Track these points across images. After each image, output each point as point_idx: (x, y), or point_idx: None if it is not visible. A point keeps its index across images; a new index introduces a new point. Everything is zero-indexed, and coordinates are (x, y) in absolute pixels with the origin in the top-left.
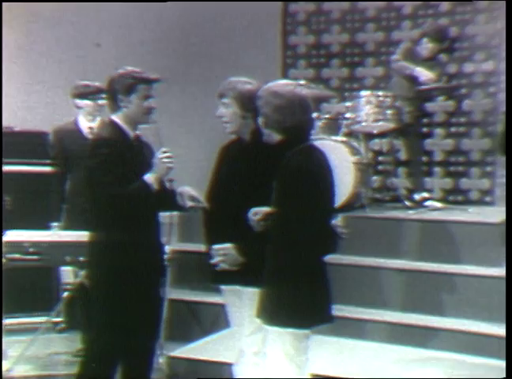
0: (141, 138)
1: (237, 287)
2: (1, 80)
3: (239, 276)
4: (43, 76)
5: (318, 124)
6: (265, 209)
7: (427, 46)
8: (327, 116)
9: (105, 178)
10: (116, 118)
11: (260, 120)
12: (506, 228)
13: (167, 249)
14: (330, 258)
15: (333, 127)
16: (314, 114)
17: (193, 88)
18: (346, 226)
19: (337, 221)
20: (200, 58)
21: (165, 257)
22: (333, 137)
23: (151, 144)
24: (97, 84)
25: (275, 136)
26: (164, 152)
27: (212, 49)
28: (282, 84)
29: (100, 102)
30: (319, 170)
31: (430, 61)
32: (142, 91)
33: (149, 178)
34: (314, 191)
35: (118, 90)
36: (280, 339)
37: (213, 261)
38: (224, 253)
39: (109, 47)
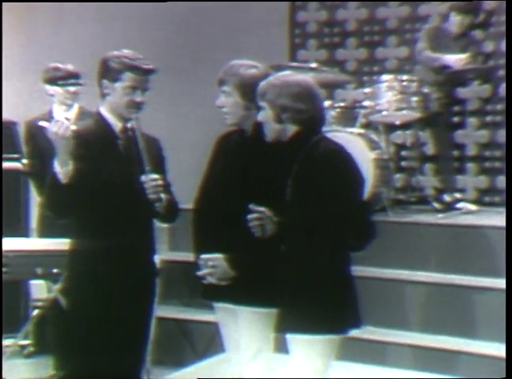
0: (131, 132)
1: (229, 305)
2: (1, 81)
3: (231, 292)
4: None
5: (332, 114)
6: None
7: (456, 21)
8: (342, 104)
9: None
10: (103, 107)
11: (270, 115)
12: (506, 232)
13: (156, 258)
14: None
15: (348, 117)
16: (327, 103)
17: (188, 73)
18: None
19: None
20: (196, 38)
21: (155, 267)
22: (349, 129)
23: (156, 138)
24: (69, 66)
25: (289, 131)
26: (151, 180)
27: (210, 28)
28: (287, 74)
29: (72, 88)
30: (350, 158)
31: (461, 40)
32: (129, 80)
33: (55, 166)
34: (350, 179)
35: (104, 74)
36: (308, 351)
37: (201, 273)
38: (213, 264)
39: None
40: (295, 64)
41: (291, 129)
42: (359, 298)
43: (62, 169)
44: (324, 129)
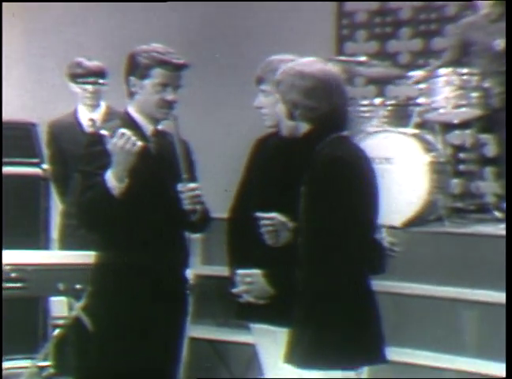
0: (163, 135)
1: (268, 326)
2: (1, 81)
3: (270, 312)
4: (43, 76)
5: (382, 112)
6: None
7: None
8: (394, 102)
9: (86, 181)
10: (131, 107)
11: (282, 109)
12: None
13: (188, 273)
14: (387, 286)
15: (401, 116)
16: (377, 100)
17: (222, 70)
18: (395, 240)
19: (384, 233)
20: (229, 32)
21: (188, 283)
22: (401, 129)
23: (186, 141)
24: (92, 63)
25: (302, 129)
26: (189, 189)
27: (246, 21)
28: (307, 61)
29: (90, 87)
30: (360, 166)
31: None
32: (159, 77)
33: (108, 177)
34: (355, 193)
35: (132, 70)
36: None
37: (236, 291)
38: (250, 280)
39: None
40: (341, 57)
41: (304, 127)
42: (386, 333)
43: (118, 184)
44: (371, 129)
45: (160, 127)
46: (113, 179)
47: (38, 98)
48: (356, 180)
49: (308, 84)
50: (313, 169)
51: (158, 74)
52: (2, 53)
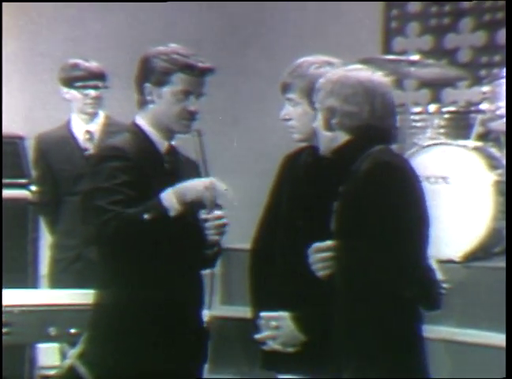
0: (178, 153)
1: (298, 378)
2: (1, 82)
3: (301, 362)
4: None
5: (438, 121)
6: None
7: None
8: (452, 109)
9: (106, 201)
10: (141, 118)
11: (319, 119)
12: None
13: (206, 315)
14: (441, 331)
15: (460, 125)
16: (432, 107)
17: (242, 77)
18: (445, 276)
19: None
20: (250, 28)
21: (204, 326)
22: (461, 142)
23: (195, 162)
24: (92, 64)
25: (340, 141)
26: (215, 218)
27: (273, 15)
28: (353, 68)
29: (93, 92)
30: (411, 175)
31: None
32: (181, 83)
33: (167, 192)
34: (406, 204)
35: (146, 76)
36: None
37: (260, 337)
38: (277, 325)
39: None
40: (389, 57)
41: (342, 138)
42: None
43: (179, 206)
44: (424, 142)
45: (173, 143)
46: (174, 198)
47: (25, 107)
48: (408, 188)
49: (349, 88)
50: (352, 180)
51: (180, 80)
52: (2, 52)
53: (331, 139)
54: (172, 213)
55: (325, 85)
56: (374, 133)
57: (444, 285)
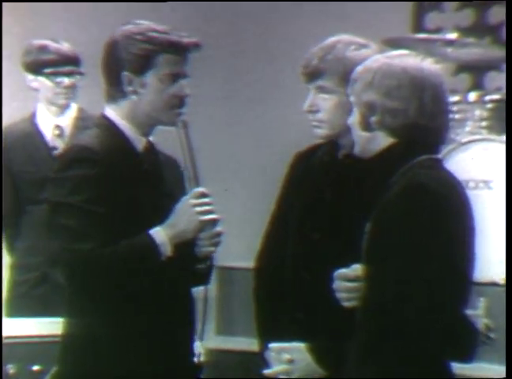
0: (156, 150)
1: None
2: (1, 82)
3: None
4: None
5: (479, 112)
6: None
7: None
8: (496, 97)
9: (73, 224)
10: (113, 112)
11: (355, 116)
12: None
13: (199, 347)
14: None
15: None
16: (472, 95)
17: (250, 62)
18: (493, 324)
19: (480, 310)
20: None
21: (195, 361)
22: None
23: (177, 160)
24: (64, 46)
25: (380, 143)
26: (198, 196)
27: None
28: (397, 54)
29: (67, 80)
30: (453, 200)
31: None
32: (167, 65)
33: (159, 233)
34: (443, 236)
35: (121, 63)
36: None
37: (270, 372)
38: (291, 358)
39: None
40: (421, 35)
41: (383, 140)
42: None
43: (170, 247)
44: (463, 137)
45: (150, 139)
46: (166, 238)
47: None
48: (445, 218)
49: (392, 79)
50: (386, 198)
51: (165, 62)
52: (2, 53)
53: (368, 140)
54: (164, 258)
55: (362, 75)
56: (421, 135)
57: (490, 335)
